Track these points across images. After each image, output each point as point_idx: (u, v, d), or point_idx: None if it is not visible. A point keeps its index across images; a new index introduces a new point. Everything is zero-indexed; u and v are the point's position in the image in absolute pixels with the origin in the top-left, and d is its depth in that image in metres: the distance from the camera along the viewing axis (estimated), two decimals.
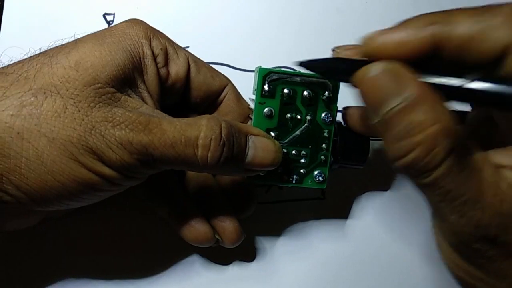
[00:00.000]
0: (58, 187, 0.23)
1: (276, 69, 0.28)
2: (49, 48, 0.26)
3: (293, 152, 0.29)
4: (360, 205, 0.34)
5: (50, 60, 0.24)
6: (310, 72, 0.27)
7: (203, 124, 0.25)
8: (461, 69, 0.20)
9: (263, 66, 0.28)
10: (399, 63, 0.20)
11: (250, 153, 0.26)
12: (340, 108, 0.30)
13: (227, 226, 0.29)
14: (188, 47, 0.34)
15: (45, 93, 0.23)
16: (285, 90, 0.28)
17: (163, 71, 0.28)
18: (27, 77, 0.24)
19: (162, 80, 0.28)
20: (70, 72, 0.24)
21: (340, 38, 0.36)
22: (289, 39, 0.37)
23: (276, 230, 0.33)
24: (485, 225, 0.20)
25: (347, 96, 0.28)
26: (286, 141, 0.28)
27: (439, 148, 0.19)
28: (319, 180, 0.29)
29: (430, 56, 0.21)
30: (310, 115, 0.28)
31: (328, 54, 0.35)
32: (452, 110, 0.20)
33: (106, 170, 0.23)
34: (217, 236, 0.29)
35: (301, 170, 0.29)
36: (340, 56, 0.25)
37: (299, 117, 0.28)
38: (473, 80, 0.19)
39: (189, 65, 0.29)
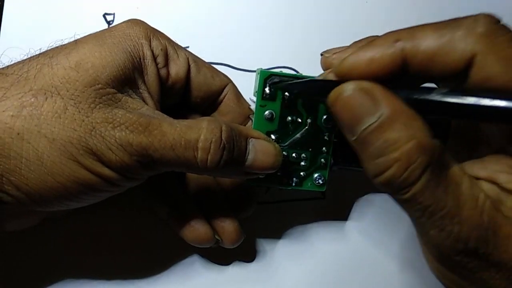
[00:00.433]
0: (58, 187, 0.23)
1: (278, 72, 0.28)
2: (49, 48, 0.26)
3: (293, 155, 0.29)
4: (361, 207, 0.34)
5: (50, 61, 0.24)
6: (311, 75, 0.28)
7: (203, 127, 0.25)
8: (430, 82, 0.21)
9: (263, 68, 0.28)
10: (371, 81, 0.21)
11: (250, 156, 0.26)
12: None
13: (227, 227, 0.29)
14: (188, 47, 0.34)
15: (45, 93, 0.23)
16: (286, 93, 0.28)
17: (163, 71, 0.28)
18: (27, 78, 0.24)
19: (163, 81, 0.28)
20: (70, 72, 0.24)
21: (340, 38, 0.36)
22: (289, 39, 0.36)
23: (276, 230, 0.33)
24: (465, 239, 0.20)
25: None
26: (286, 144, 0.28)
27: (415, 164, 0.19)
28: (318, 183, 0.29)
29: (399, 72, 0.21)
30: (311, 118, 0.28)
31: None
32: (430, 122, 0.20)
33: (106, 171, 0.24)
34: (217, 237, 0.29)
35: (301, 173, 0.29)
36: (329, 60, 0.26)
37: (299, 120, 0.28)
38: (443, 93, 0.20)
39: (189, 65, 0.29)
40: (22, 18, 0.33)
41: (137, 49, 0.26)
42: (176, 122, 0.25)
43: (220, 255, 0.32)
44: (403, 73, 0.21)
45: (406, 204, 0.21)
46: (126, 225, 0.32)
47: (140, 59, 0.26)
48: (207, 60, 0.31)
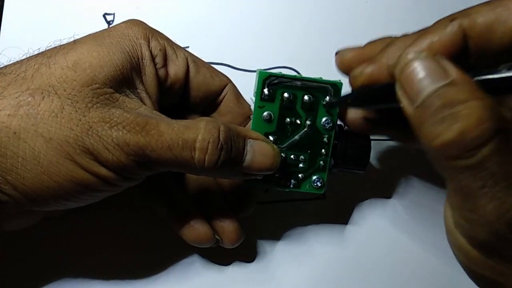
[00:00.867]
0: (55, 187, 0.23)
1: (277, 73, 0.27)
2: (47, 48, 0.26)
3: (292, 156, 0.28)
4: (361, 211, 0.34)
5: (48, 61, 0.24)
6: (311, 76, 0.27)
7: (201, 127, 0.24)
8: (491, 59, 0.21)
9: (263, 69, 0.28)
10: (428, 52, 0.20)
11: (248, 157, 0.26)
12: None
13: (227, 226, 0.29)
14: (188, 47, 0.34)
15: (42, 93, 0.23)
16: (285, 94, 0.27)
17: (162, 71, 0.28)
18: (24, 77, 0.24)
19: (161, 81, 0.28)
20: (68, 72, 0.24)
21: (341, 38, 0.38)
22: (289, 39, 0.36)
23: (276, 231, 0.33)
24: None
25: None
26: (284, 145, 0.28)
27: (486, 124, 0.18)
28: (317, 185, 0.29)
29: (461, 52, 0.21)
30: (310, 120, 0.28)
31: (327, 54, 0.34)
32: None
33: (103, 171, 0.24)
34: (217, 237, 0.29)
35: (299, 175, 0.29)
36: (344, 56, 0.26)
37: (298, 121, 0.28)
38: (508, 68, 0.19)
39: (188, 66, 0.29)
40: (21, 18, 0.33)
41: (135, 49, 0.26)
42: (174, 122, 0.25)
43: (220, 256, 0.32)
44: (464, 54, 0.21)
45: (469, 171, 0.19)
46: (125, 225, 0.32)
47: (138, 59, 0.26)
48: (207, 60, 0.30)
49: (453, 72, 0.19)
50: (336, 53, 0.27)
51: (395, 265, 0.33)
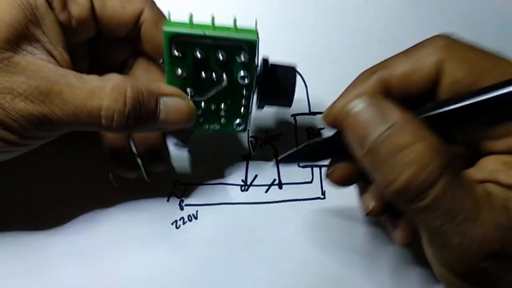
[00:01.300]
0: None
1: (185, 30, 0.25)
2: None
3: (212, 106, 0.28)
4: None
5: None
6: (222, 35, 0.25)
7: (106, 94, 0.24)
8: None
9: (167, 27, 0.25)
10: (379, 95, 0.21)
11: (162, 116, 0.26)
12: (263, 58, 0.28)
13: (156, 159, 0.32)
14: None
15: None
16: (197, 54, 0.26)
17: (63, 15, 0.26)
18: None
19: (65, 25, 0.26)
20: None
21: (340, 38, 0.37)
22: (289, 39, 0.35)
23: (276, 230, 0.34)
24: (490, 241, 0.19)
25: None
26: (203, 98, 0.28)
27: (432, 165, 0.19)
28: (239, 128, 0.30)
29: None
30: (226, 75, 0.27)
31: (327, 54, 0.36)
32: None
33: (11, 136, 0.24)
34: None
35: (222, 120, 0.29)
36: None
37: (214, 76, 0.27)
38: (433, 106, 0.21)
39: (92, 1, 0.27)
40: None
41: (26, 0, 0.24)
42: (79, 87, 0.24)
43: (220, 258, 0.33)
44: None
45: (425, 212, 0.20)
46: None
47: (32, 9, 0.24)
48: None
49: (394, 115, 0.20)
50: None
51: (396, 265, 0.33)
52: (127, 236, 0.33)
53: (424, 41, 0.22)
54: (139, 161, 0.31)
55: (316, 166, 0.33)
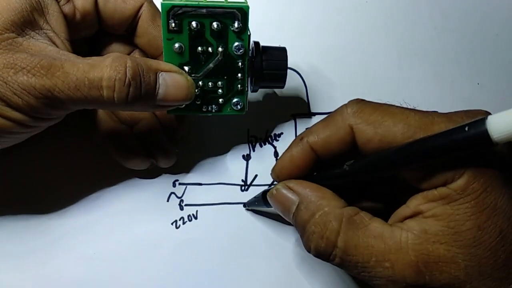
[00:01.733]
0: None
1: (180, 2, 0.27)
2: None
3: (209, 84, 0.29)
4: None
5: None
6: (216, 2, 0.27)
7: (107, 65, 0.24)
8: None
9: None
10: (289, 180, 0.26)
11: (161, 91, 0.26)
12: (251, 37, 0.29)
13: (162, 152, 0.32)
14: None
15: None
16: (193, 24, 0.27)
17: (67, 8, 0.27)
18: None
19: (69, 17, 0.28)
20: None
21: (341, 38, 0.38)
22: (289, 39, 0.36)
23: (276, 230, 0.34)
24: (401, 279, 0.22)
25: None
26: (200, 74, 0.29)
27: (328, 231, 0.23)
28: (237, 108, 0.30)
29: (316, 159, 0.26)
30: (221, 47, 0.28)
31: (327, 54, 0.38)
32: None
33: (16, 115, 0.24)
34: (152, 160, 0.32)
35: (220, 100, 0.30)
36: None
37: (210, 49, 0.28)
38: (348, 165, 0.25)
39: None
40: None
41: None
42: (80, 61, 0.25)
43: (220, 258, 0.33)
44: (320, 160, 0.26)
45: (342, 267, 0.24)
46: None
47: None
48: None
49: (296, 194, 0.25)
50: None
51: None
52: (127, 236, 0.32)
53: (338, 108, 0.25)
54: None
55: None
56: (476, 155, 0.21)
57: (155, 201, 0.33)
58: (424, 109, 0.37)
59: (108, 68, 0.24)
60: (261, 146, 0.35)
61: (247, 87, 0.30)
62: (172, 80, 0.27)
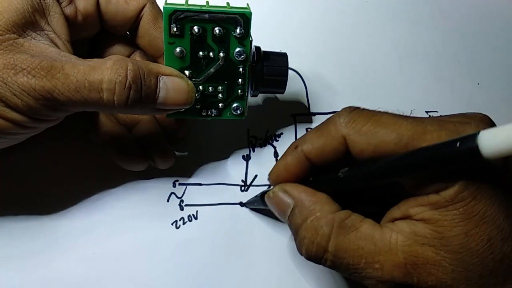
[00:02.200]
0: None
1: (182, 7, 0.26)
2: None
3: (210, 88, 0.29)
4: None
5: None
6: (219, 9, 0.26)
7: (107, 67, 0.24)
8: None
9: (167, 3, 0.27)
10: (286, 184, 0.27)
11: (162, 94, 0.26)
12: (253, 44, 0.29)
13: (160, 153, 0.32)
14: None
15: None
16: (195, 29, 0.27)
17: (69, 9, 0.27)
18: None
19: (70, 19, 0.27)
20: None
21: (341, 38, 0.38)
22: (289, 38, 0.36)
23: (276, 230, 0.34)
24: (390, 279, 0.23)
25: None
26: (201, 78, 0.28)
27: (319, 235, 0.24)
28: (237, 112, 0.30)
29: (310, 166, 0.27)
30: (223, 52, 0.28)
31: (327, 54, 0.38)
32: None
33: (15, 116, 0.24)
34: (149, 161, 0.32)
35: (219, 104, 0.30)
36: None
37: (211, 54, 0.28)
38: (343, 172, 0.25)
39: None
40: None
41: None
42: (80, 63, 0.24)
43: (220, 258, 0.33)
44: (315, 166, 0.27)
45: (335, 269, 0.24)
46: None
47: (40, 0, 0.26)
48: None
49: (292, 200, 0.26)
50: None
51: None
52: (127, 236, 0.33)
53: (331, 117, 0.26)
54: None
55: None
56: (468, 166, 0.21)
57: (155, 201, 0.33)
58: (424, 109, 0.38)
59: (109, 70, 0.24)
60: (261, 146, 0.35)
61: (247, 92, 0.30)
62: (173, 84, 0.27)
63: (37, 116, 0.25)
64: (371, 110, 0.25)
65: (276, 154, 0.35)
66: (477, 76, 0.39)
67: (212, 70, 0.28)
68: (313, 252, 0.24)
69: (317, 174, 0.27)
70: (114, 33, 0.31)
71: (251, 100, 0.35)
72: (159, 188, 0.34)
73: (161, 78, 0.26)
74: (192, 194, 0.34)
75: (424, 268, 0.22)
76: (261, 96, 0.36)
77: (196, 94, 0.29)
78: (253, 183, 0.35)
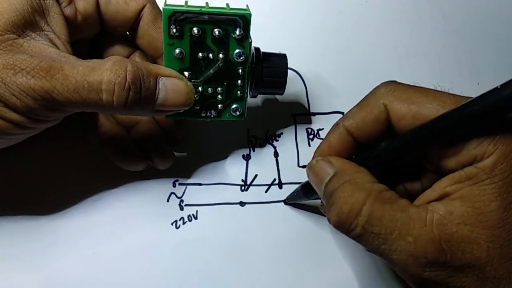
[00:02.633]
0: None
1: (181, 8, 0.26)
2: None
3: (209, 90, 0.29)
4: None
5: None
6: (218, 10, 0.26)
7: (107, 68, 0.24)
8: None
9: (167, 4, 0.26)
10: (330, 156, 0.27)
11: (161, 95, 0.26)
12: (253, 44, 0.29)
13: (159, 154, 0.31)
14: None
15: None
16: (194, 30, 0.27)
17: (69, 10, 0.27)
18: None
19: (70, 19, 0.27)
20: None
21: (340, 38, 0.38)
22: (289, 39, 0.36)
23: (276, 230, 0.34)
24: (423, 253, 0.22)
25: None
26: (200, 80, 0.28)
27: (354, 200, 0.23)
28: (236, 114, 0.30)
29: (353, 143, 0.27)
30: (222, 53, 0.28)
31: (327, 54, 0.38)
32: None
33: (14, 116, 0.24)
34: (148, 162, 0.32)
35: (219, 105, 0.30)
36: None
37: (211, 56, 0.28)
38: (384, 145, 0.25)
39: None
40: None
41: None
42: (80, 64, 0.24)
43: (220, 258, 0.33)
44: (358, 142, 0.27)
45: (362, 237, 0.23)
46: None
47: (40, 1, 0.26)
48: None
49: (334, 167, 0.26)
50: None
51: None
52: (127, 236, 0.33)
53: (372, 90, 0.26)
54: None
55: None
56: (507, 135, 0.21)
57: (155, 201, 0.34)
58: None
59: (108, 71, 0.24)
60: (261, 146, 0.35)
61: (247, 93, 0.30)
62: (172, 85, 0.27)
63: (36, 117, 0.25)
64: (411, 84, 0.25)
65: (276, 153, 0.35)
66: (477, 76, 0.39)
67: (211, 71, 0.28)
68: (344, 214, 0.23)
69: (358, 154, 0.27)
70: (113, 33, 0.31)
71: (251, 99, 0.35)
72: (159, 188, 0.34)
73: (160, 79, 0.26)
74: (192, 194, 0.34)
75: (458, 246, 0.22)
76: (261, 96, 0.36)
77: (196, 95, 0.29)
78: (253, 183, 0.35)
